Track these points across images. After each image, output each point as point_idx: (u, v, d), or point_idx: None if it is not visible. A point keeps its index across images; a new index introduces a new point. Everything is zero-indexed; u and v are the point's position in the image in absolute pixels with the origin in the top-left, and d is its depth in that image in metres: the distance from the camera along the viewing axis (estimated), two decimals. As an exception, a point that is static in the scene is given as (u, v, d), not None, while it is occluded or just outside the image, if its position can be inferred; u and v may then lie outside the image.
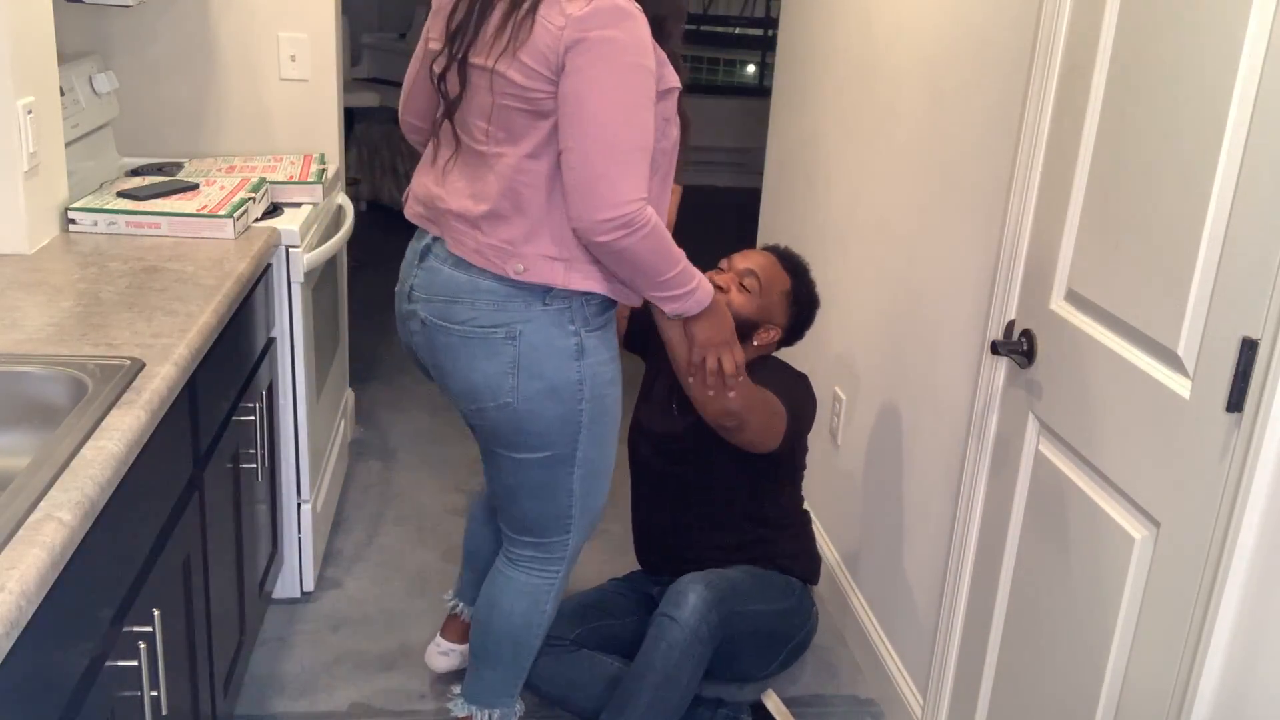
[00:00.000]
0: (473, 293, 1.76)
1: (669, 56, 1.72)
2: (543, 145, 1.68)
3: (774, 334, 2.23)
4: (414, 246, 1.89)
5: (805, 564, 2.36)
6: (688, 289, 1.76)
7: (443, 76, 1.76)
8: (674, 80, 1.72)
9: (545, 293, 1.76)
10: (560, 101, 1.63)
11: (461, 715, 2.10)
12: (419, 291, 1.84)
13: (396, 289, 1.93)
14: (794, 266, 2.28)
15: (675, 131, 1.78)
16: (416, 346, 1.90)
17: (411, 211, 1.91)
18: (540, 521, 1.93)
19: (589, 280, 1.75)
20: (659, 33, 1.69)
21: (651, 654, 2.05)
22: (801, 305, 2.27)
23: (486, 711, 2.08)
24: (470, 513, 2.37)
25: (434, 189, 1.83)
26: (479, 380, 1.79)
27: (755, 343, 2.21)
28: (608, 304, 1.84)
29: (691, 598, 2.05)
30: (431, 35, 1.82)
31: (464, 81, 1.73)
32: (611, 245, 1.66)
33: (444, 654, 2.39)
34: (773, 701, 2.29)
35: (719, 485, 2.25)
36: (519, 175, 1.70)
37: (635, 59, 1.62)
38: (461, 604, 2.38)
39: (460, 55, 1.72)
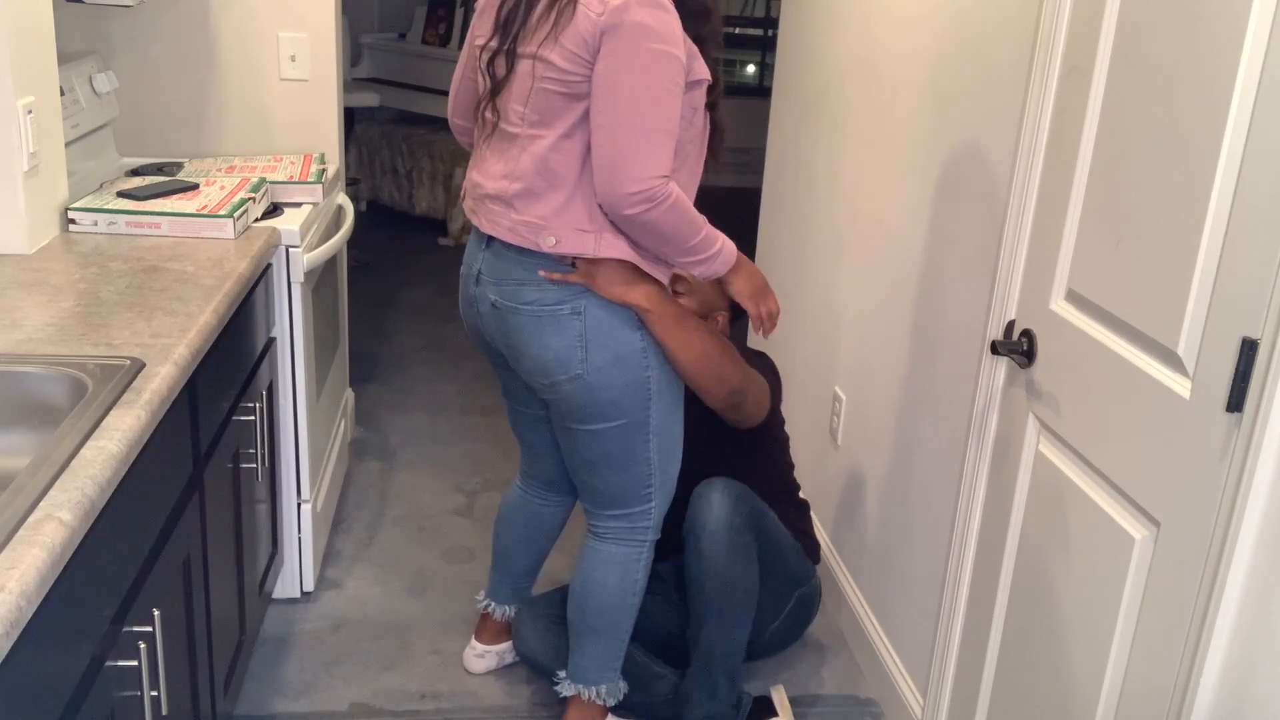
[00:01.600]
0: (537, 275, 1.86)
1: (710, 68, 1.84)
2: (575, 126, 1.78)
3: (723, 318, 2.27)
4: (478, 232, 1.98)
5: (803, 541, 2.41)
6: (712, 252, 1.86)
7: (491, 62, 1.86)
8: (704, 73, 1.82)
9: None
10: (594, 83, 1.74)
11: (569, 695, 2.14)
12: (487, 275, 1.93)
13: (463, 272, 2.02)
14: None
15: (701, 122, 1.87)
16: (485, 328, 1.99)
17: (464, 204, 2.03)
18: (622, 492, 2.02)
19: (617, 250, 1.84)
20: (700, 48, 1.82)
21: (698, 572, 2.09)
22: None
23: (593, 688, 2.13)
24: (501, 513, 2.37)
25: (475, 177, 1.94)
26: (550, 356, 1.89)
27: None
28: None
29: (715, 497, 2.11)
30: (477, 33, 1.92)
31: (510, 67, 1.83)
32: (638, 219, 1.75)
33: (480, 656, 2.42)
34: (779, 696, 2.29)
35: (710, 469, 2.26)
36: (554, 153, 1.80)
37: (664, 46, 1.72)
38: (493, 603, 2.40)
39: (509, 45, 1.83)
